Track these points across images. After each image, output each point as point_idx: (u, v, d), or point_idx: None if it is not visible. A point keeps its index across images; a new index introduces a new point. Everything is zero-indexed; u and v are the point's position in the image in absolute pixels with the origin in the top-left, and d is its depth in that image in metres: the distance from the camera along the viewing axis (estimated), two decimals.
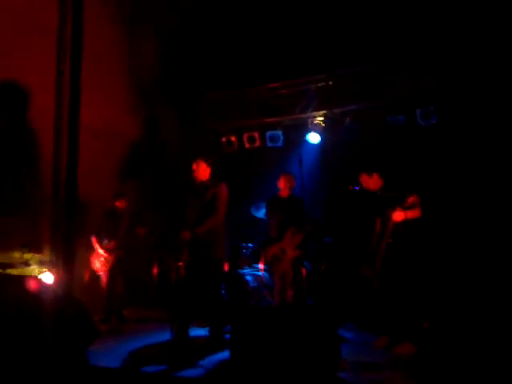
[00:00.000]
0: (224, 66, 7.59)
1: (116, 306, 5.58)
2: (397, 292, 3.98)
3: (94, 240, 5.55)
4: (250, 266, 5.85)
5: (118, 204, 5.63)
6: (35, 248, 5.58)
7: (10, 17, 5.27)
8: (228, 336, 3.92)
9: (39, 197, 5.71)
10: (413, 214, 3.98)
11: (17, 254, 5.42)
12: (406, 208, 3.94)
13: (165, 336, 4.36)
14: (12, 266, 5.27)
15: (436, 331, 3.92)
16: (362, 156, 6.13)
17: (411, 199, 3.89)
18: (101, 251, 5.50)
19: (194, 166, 4.55)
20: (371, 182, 4.34)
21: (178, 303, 4.26)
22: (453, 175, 5.49)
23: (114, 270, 5.49)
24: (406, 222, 3.99)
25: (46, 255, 5.66)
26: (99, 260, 5.50)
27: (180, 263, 4.43)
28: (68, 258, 5.86)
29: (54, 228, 5.78)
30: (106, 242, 5.52)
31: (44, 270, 5.57)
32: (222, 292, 5.06)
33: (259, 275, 5.55)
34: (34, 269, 5.49)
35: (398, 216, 3.97)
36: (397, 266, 4.00)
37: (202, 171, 4.54)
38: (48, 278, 5.52)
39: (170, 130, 7.54)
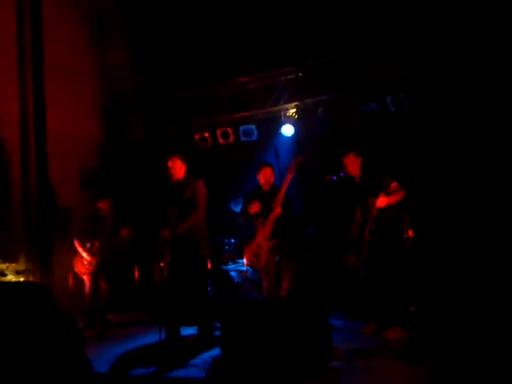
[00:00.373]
0: (192, 63, 7.52)
1: (100, 311, 5.45)
2: (383, 278, 4.05)
3: (76, 243, 5.40)
4: (234, 262, 5.83)
5: (101, 205, 5.50)
6: (10, 258, 5.41)
7: None
8: (217, 333, 3.93)
9: (11, 206, 5.54)
10: (395, 198, 4.05)
11: None
12: (388, 193, 4.00)
13: (152, 338, 4.31)
14: None
15: (424, 314, 4.01)
16: (336, 146, 6.17)
17: (394, 184, 3.95)
18: (84, 254, 5.35)
19: (170, 164, 4.47)
20: (355, 165, 4.38)
21: (164, 304, 4.20)
22: (427, 158, 5.60)
23: (97, 273, 5.37)
24: (388, 208, 4.05)
25: (21, 264, 5.50)
26: (82, 263, 5.36)
27: (162, 264, 4.37)
28: (44, 266, 5.73)
29: (28, 236, 5.65)
30: (88, 244, 5.38)
31: (20, 279, 5.41)
32: (208, 289, 5.03)
33: (243, 270, 5.53)
34: (10, 279, 5.32)
35: (382, 202, 4.02)
36: (382, 252, 4.06)
37: (178, 168, 4.47)
38: None
39: (140, 131, 7.43)
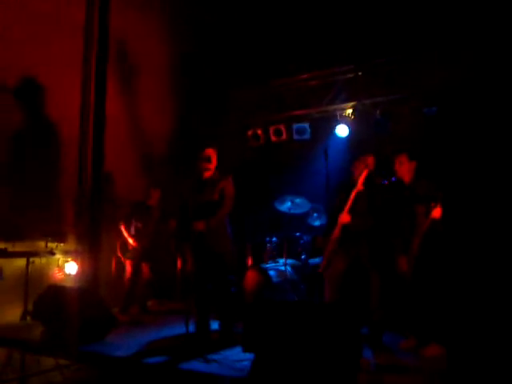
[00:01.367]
0: (250, 59, 7.48)
1: (140, 297, 5.54)
2: (428, 292, 3.76)
3: (122, 227, 5.54)
4: (274, 261, 5.71)
5: (152, 193, 5.62)
6: (59, 237, 5.64)
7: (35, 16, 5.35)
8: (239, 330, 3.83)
9: (64, 187, 5.77)
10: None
11: (41, 243, 5.48)
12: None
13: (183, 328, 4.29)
14: (37, 254, 5.32)
15: (466, 333, 3.67)
16: (392, 149, 5.86)
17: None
18: (129, 239, 5.48)
19: (208, 153, 4.35)
20: (405, 167, 4.10)
21: (192, 296, 4.19)
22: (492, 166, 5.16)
23: (139, 259, 5.46)
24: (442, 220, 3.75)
25: (70, 245, 5.72)
26: (125, 248, 5.49)
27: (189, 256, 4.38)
28: (93, 249, 5.92)
29: (78, 218, 5.86)
30: (133, 230, 5.51)
31: (68, 259, 5.62)
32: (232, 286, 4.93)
33: (283, 270, 5.40)
34: (58, 258, 5.54)
35: (438, 212, 3.72)
36: (431, 265, 3.77)
37: (214, 162, 4.37)
38: (72, 267, 5.57)
39: (198, 127, 7.50)
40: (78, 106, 5.85)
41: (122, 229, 5.54)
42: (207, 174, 4.34)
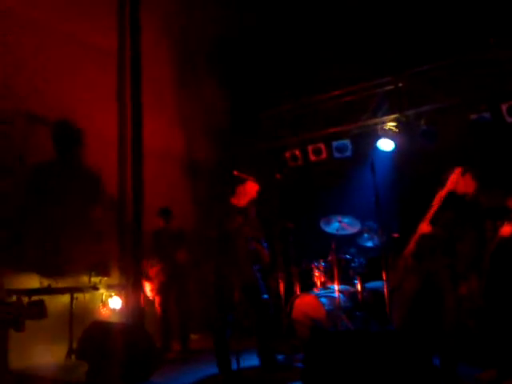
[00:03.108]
0: (282, 77, 7.34)
1: (179, 333, 5.26)
2: (504, 313, 3.34)
3: (144, 263, 5.35)
4: (325, 287, 5.37)
5: (161, 224, 5.43)
6: (103, 271, 5.51)
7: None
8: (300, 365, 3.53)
9: (106, 219, 5.69)
10: None
11: (85, 278, 5.36)
12: None
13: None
14: (80, 289, 5.20)
15: None
16: (442, 160, 5.50)
17: None
18: (148, 275, 5.29)
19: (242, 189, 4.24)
20: (462, 183, 3.74)
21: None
22: None
23: (165, 294, 5.23)
24: None
25: (113, 279, 5.58)
26: (149, 284, 5.29)
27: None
28: (137, 282, 5.75)
29: (122, 252, 5.75)
30: (154, 262, 5.32)
31: (112, 294, 5.47)
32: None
33: (334, 297, 5.05)
34: (102, 293, 5.40)
35: (507, 231, 3.35)
36: (505, 285, 3.37)
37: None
38: (116, 302, 5.41)
39: (237, 151, 7.37)
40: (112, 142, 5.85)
41: (145, 265, 5.35)
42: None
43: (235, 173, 4.12)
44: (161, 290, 5.20)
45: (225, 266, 4.05)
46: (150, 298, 5.29)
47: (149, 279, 5.27)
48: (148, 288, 5.28)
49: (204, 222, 5.21)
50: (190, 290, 5.51)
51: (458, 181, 3.65)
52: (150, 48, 6.15)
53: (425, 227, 3.74)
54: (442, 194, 3.70)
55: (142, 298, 5.40)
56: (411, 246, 3.82)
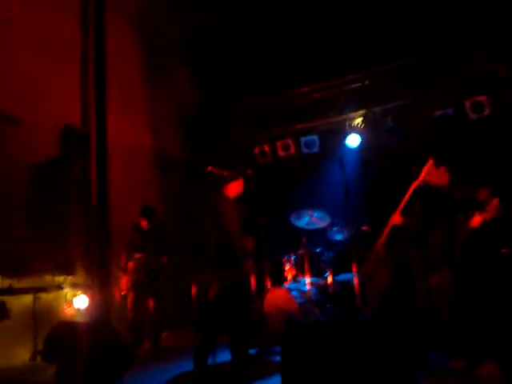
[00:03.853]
0: (251, 73, 7.32)
1: (151, 332, 5.13)
2: (476, 303, 3.45)
3: (123, 257, 5.17)
4: (295, 281, 5.39)
5: (143, 223, 5.28)
6: (68, 270, 5.32)
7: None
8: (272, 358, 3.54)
9: (70, 218, 5.49)
10: (490, 214, 3.46)
11: (49, 277, 5.16)
12: (483, 211, 3.42)
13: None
14: (44, 289, 5.00)
15: None
16: (408, 156, 5.64)
17: (494, 204, 3.36)
18: (125, 268, 5.12)
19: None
20: (436, 175, 3.83)
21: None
22: None
23: (140, 289, 5.10)
24: (482, 225, 3.47)
25: (79, 277, 5.40)
26: (125, 278, 5.13)
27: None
28: (104, 281, 5.57)
29: (87, 249, 5.56)
30: (133, 256, 5.16)
31: (78, 293, 5.29)
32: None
33: (306, 290, 5.09)
34: (67, 292, 5.22)
35: (477, 222, 3.45)
36: (475, 273, 3.48)
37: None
38: (82, 301, 5.24)
39: (201, 146, 7.29)
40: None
41: (123, 258, 5.18)
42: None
43: (209, 168, 4.07)
44: (136, 287, 5.05)
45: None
46: (123, 292, 5.13)
47: (125, 273, 5.11)
48: (123, 282, 5.11)
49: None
50: (166, 289, 5.38)
51: (431, 172, 3.74)
52: (117, 43, 5.97)
53: (396, 218, 3.82)
54: (414, 184, 3.78)
55: (111, 293, 5.23)
56: (383, 237, 3.90)
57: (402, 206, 3.82)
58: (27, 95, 5.04)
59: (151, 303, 5.13)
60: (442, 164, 3.88)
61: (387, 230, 3.87)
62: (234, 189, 4.28)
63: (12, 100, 4.94)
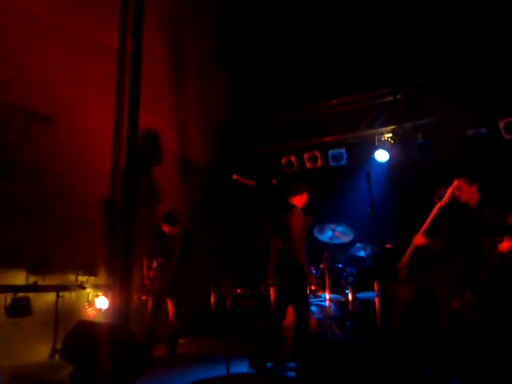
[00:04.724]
0: (283, 84, 7.33)
1: (168, 336, 5.13)
2: (502, 333, 3.32)
3: (144, 262, 5.22)
4: (315, 296, 5.32)
5: (165, 229, 5.31)
6: (90, 270, 5.40)
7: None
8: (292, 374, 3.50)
9: (96, 218, 5.59)
10: None
11: (71, 277, 5.25)
12: None
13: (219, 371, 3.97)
14: (67, 288, 5.09)
15: None
16: (437, 174, 5.51)
17: None
18: (146, 274, 5.15)
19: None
20: (467, 192, 3.72)
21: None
22: None
23: (159, 295, 5.13)
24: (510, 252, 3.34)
25: (100, 278, 5.47)
26: (145, 283, 5.16)
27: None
28: (125, 283, 5.61)
29: (109, 250, 5.64)
30: (154, 264, 5.18)
31: (99, 293, 5.36)
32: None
33: (325, 306, 5.00)
34: (88, 292, 5.30)
35: (505, 247, 3.33)
36: (501, 301, 3.35)
37: None
38: (103, 302, 5.30)
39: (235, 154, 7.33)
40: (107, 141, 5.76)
41: (145, 263, 5.22)
42: None
43: (234, 177, 4.09)
44: (157, 292, 5.08)
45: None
46: (143, 298, 5.16)
47: (148, 279, 5.15)
48: (144, 288, 5.15)
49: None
50: (185, 295, 5.39)
51: (462, 189, 3.67)
52: (151, 47, 6.09)
53: (419, 238, 3.74)
54: (439, 204, 3.69)
55: (131, 297, 5.29)
56: (405, 257, 3.82)
57: (425, 225, 3.73)
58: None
59: (171, 309, 5.14)
60: (473, 182, 3.78)
61: (409, 249, 3.79)
62: (301, 200, 4.53)
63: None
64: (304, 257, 4.39)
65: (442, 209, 3.74)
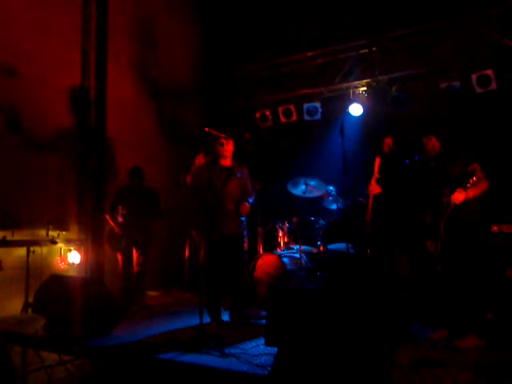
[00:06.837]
0: (256, 36, 7.10)
1: (135, 288, 5.17)
2: (459, 277, 3.45)
3: (107, 215, 5.16)
4: (288, 248, 5.41)
5: (131, 183, 5.24)
6: (61, 225, 5.33)
7: None
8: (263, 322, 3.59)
9: (66, 171, 5.46)
10: (476, 191, 3.41)
11: (42, 232, 5.18)
12: (466, 188, 3.36)
13: (192, 320, 4.05)
14: (38, 243, 5.02)
15: (503, 322, 3.37)
16: (411, 127, 5.53)
17: (475, 178, 3.31)
18: (114, 227, 5.12)
19: (225, 145, 4.25)
20: (430, 144, 3.80)
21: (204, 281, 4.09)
22: None
23: (128, 249, 5.12)
24: (467, 202, 3.43)
25: (72, 233, 5.42)
26: (113, 238, 5.14)
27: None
28: (97, 237, 5.57)
29: (80, 204, 5.55)
30: (120, 217, 5.15)
31: (71, 248, 5.32)
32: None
33: (297, 257, 5.10)
34: (60, 247, 5.25)
35: (458, 198, 3.41)
36: (459, 249, 3.46)
37: (230, 151, 4.33)
38: (75, 257, 5.28)
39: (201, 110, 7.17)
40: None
41: (107, 217, 5.16)
42: (224, 162, 4.31)
43: (206, 129, 4.03)
44: (124, 246, 5.08)
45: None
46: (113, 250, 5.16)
47: (113, 234, 5.12)
48: (110, 244, 5.13)
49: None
50: (158, 248, 5.41)
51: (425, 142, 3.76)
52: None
53: (373, 188, 3.95)
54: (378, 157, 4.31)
55: (104, 250, 5.26)
56: (368, 209, 3.96)
57: (374, 176, 3.93)
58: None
59: (136, 259, 5.14)
60: (431, 134, 3.83)
61: (370, 201, 3.91)
62: (228, 150, 4.31)
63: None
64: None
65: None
